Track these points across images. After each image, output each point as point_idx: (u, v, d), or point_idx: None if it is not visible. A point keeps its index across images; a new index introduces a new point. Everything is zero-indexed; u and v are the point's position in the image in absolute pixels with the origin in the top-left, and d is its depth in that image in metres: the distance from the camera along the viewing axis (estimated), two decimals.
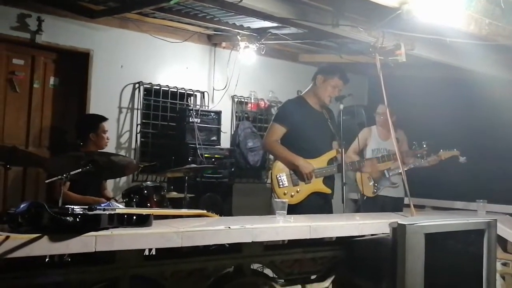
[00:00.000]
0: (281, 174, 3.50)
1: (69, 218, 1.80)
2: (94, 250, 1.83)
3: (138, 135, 5.12)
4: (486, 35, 2.92)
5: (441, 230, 2.37)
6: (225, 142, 5.57)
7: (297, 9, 3.24)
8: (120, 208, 2.31)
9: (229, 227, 2.21)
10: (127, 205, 3.59)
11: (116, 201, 3.60)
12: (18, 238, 1.70)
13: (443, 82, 5.34)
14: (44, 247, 1.74)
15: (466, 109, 5.18)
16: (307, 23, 3.30)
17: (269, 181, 5.92)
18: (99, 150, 3.80)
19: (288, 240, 2.59)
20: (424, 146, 4.14)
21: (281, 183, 3.49)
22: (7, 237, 1.68)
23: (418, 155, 4.19)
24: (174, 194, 4.04)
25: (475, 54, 3.50)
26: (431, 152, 4.18)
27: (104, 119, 3.94)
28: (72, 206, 1.94)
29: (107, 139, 3.90)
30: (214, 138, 5.26)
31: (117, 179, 4.90)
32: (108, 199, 3.66)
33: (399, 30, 3.27)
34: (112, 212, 1.98)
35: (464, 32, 2.96)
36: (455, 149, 4.15)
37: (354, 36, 3.46)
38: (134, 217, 2.05)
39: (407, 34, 3.24)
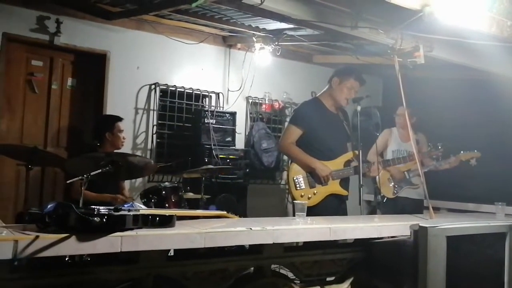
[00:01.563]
0: (298, 176, 3.50)
1: (96, 219, 1.83)
2: (120, 250, 1.86)
3: (154, 136, 5.16)
4: (508, 36, 2.90)
5: (462, 233, 2.36)
6: (240, 143, 5.60)
7: (315, 10, 3.25)
8: (143, 208, 2.33)
9: (251, 229, 2.22)
10: (146, 205, 3.63)
11: (134, 201, 3.64)
12: (47, 238, 1.73)
13: (461, 83, 5.30)
14: (72, 247, 1.77)
15: (484, 110, 5.14)
16: (326, 25, 3.30)
17: (283, 182, 5.95)
18: (115, 150, 3.85)
19: (308, 242, 2.60)
20: (440, 147, 4.12)
21: (298, 185, 3.49)
22: (37, 237, 1.71)
23: (434, 157, 4.17)
24: (190, 194, 4.08)
25: (496, 55, 3.47)
26: (449, 153, 4.15)
27: (119, 119, 3.99)
28: (97, 207, 1.96)
29: (123, 138, 3.94)
30: (229, 139, 5.28)
31: (133, 179, 4.93)
32: (126, 200, 3.69)
33: (419, 32, 3.25)
34: (137, 213, 2.00)
35: (485, 34, 2.94)
36: (475, 150, 4.11)
37: (373, 38, 3.45)
38: (158, 218, 2.07)
39: (426, 36, 3.22)
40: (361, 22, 3.29)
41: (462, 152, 4.11)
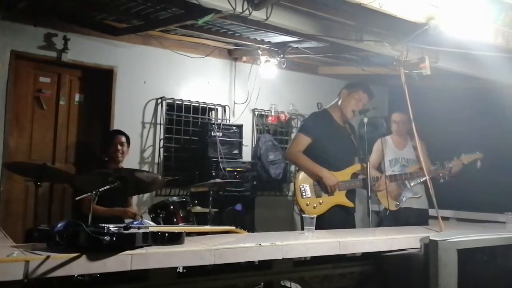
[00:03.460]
0: (305, 185, 3.50)
1: (106, 237, 1.83)
2: (130, 269, 1.86)
3: (161, 150, 5.18)
4: None
5: (474, 245, 2.35)
6: (247, 155, 5.60)
7: (320, 24, 3.27)
8: (152, 225, 2.34)
9: (260, 244, 2.21)
10: (154, 220, 3.64)
11: (142, 217, 3.64)
12: (58, 258, 1.73)
13: (467, 92, 5.29)
14: (83, 266, 1.77)
15: (490, 119, 5.12)
16: (331, 39, 3.33)
17: (290, 193, 5.94)
18: (117, 164, 3.89)
19: (317, 256, 2.59)
20: (446, 166, 4.05)
21: (304, 194, 3.48)
22: (48, 257, 1.72)
23: (440, 175, 4.10)
24: (198, 208, 4.08)
25: (501, 66, 3.47)
26: (452, 157, 4.08)
27: (117, 132, 4.09)
28: (107, 225, 1.97)
29: (121, 152, 3.95)
30: (236, 151, 5.29)
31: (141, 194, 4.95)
32: (135, 214, 3.70)
33: (424, 44, 3.27)
34: (147, 231, 2.01)
35: (490, 45, 2.95)
36: (477, 152, 4.05)
37: (378, 50, 3.47)
38: (167, 235, 2.08)
39: (432, 48, 3.24)
40: (366, 35, 3.31)
41: (463, 154, 4.04)
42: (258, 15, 3.00)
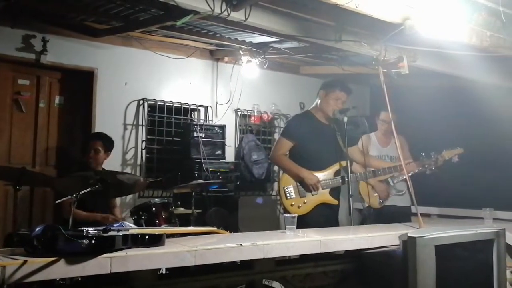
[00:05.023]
0: (288, 186, 3.57)
1: (85, 241, 1.83)
2: (109, 272, 1.86)
3: (144, 151, 5.15)
4: (488, 46, 2.97)
5: (451, 241, 2.39)
6: (230, 156, 5.60)
7: (299, 25, 3.29)
8: (133, 228, 2.33)
9: (241, 244, 2.23)
10: (136, 222, 3.62)
11: (124, 220, 3.62)
12: (35, 262, 1.72)
13: (445, 91, 5.38)
14: (61, 270, 1.76)
15: (469, 117, 5.21)
16: (310, 39, 3.35)
17: (274, 193, 5.97)
18: (97, 167, 3.84)
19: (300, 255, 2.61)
20: (433, 157, 4.11)
21: (288, 195, 3.56)
22: (25, 261, 1.70)
23: (426, 166, 4.16)
24: (181, 210, 4.07)
25: (477, 64, 3.54)
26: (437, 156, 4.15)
27: (93, 137, 4.03)
28: (86, 228, 1.96)
29: (93, 158, 3.89)
30: (219, 152, 5.29)
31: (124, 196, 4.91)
32: (117, 219, 3.66)
33: (402, 44, 3.31)
34: (126, 233, 2.00)
35: (465, 45, 3.00)
36: (457, 147, 4.12)
37: (357, 50, 3.50)
38: (147, 237, 2.07)
39: (409, 47, 3.28)
40: (345, 35, 3.34)
41: (444, 150, 4.11)
42: (237, 16, 3.01)
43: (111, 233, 1.95)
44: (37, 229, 1.91)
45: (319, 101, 3.71)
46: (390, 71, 3.36)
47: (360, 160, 3.92)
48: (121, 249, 1.93)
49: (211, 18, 3.29)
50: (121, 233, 1.98)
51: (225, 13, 2.92)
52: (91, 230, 1.94)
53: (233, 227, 4.82)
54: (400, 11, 2.70)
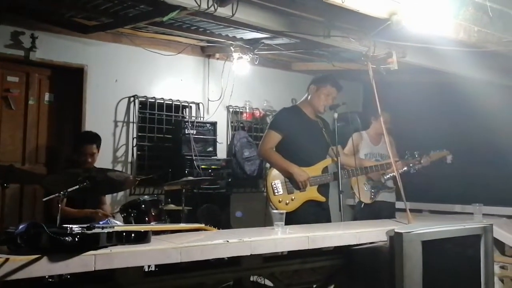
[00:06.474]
0: (276, 182, 3.50)
1: (68, 238, 1.81)
2: (93, 269, 1.84)
3: (134, 149, 5.13)
4: (475, 42, 2.97)
5: (437, 237, 2.40)
6: (222, 152, 5.59)
7: (289, 21, 3.28)
8: (119, 225, 2.32)
9: (228, 241, 2.22)
10: (126, 220, 3.60)
11: (114, 217, 3.60)
12: (17, 260, 1.71)
13: (435, 87, 5.40)
14: (44, 268, 1.75)
15: (458, 113, 5.24)
16: (299, 35, 3.34)
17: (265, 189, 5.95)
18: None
19: (287, 251, 2.60)
20: (417, 156, 4.13)
21: (276, 191, 3.49)
22: (7, 259, 1.69)
23: (411, 165, 4.17)
24: (171, 206, 4.06)
25: (465, 60, 3.54)
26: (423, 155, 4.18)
27: (88, 141, 3.92)
28: (70, 226, 1.95)
29: (90, 160, 3.85)
30: (210, 149, 5.27)
31: (115, 193, 4.89)
32: (106, 215, 3.65)
33: (390, 39, 3.31)
34: (111, 230, 1.99)
35: (453, 40, 3.00)
36: (444, 150, 4.14)
37: (346, 46, 3.50)
38: (133, 234, 2.06)
39: (397, 43, 3.28)
40: (334, 31, 3.33)
41: (432, 152, 4.13)
42: (224, 11, 2.99)
43: (95, 230, 1.94)
44: (20, 227, 1.89)
45: (309, 95, 3.66)
46: (379, 66, 3.35)
47: (345, 160, 3.88)
48: (106, 247, 1.92)
49: (199, 14, 3.26)
50: (105, 231, 1.96)
51: (212, 8, 2.90)
52: (75, 228, 1.92)
53: (225, 224, 4.83)
54: (386, 6, 2.69)
